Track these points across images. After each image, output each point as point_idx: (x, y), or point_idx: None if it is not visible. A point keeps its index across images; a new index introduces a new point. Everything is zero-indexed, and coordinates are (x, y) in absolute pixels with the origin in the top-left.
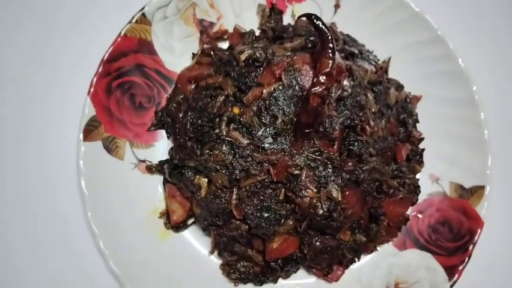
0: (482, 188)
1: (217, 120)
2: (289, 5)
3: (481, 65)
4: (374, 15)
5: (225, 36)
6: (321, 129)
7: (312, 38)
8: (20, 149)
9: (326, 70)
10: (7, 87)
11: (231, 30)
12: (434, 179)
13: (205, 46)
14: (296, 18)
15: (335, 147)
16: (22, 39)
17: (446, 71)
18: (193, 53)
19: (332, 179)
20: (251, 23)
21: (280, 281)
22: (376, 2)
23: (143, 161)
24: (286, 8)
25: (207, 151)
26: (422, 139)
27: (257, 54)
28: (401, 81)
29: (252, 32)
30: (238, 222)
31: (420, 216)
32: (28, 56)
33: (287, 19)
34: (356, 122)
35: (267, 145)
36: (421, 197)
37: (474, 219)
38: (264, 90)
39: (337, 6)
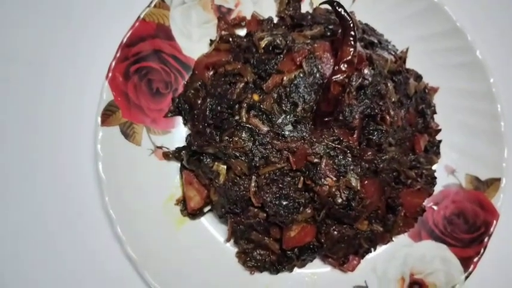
0: (498, 180)
1: (236, 107)
2: None
3: (498, 57)
4: (391, 5)
5: (243, 23)
6: (341, 118)
7: (331, 27)
8: (36, 133)
9: (348, 58)
10: (24, 72)
11: (248, 17)
12: (450, 170)
13: (223, 33)
14: (317, 5)
15: (355, 136)
16: (39, 23)
17: (464, 62)
18: (210, 40)
19: (351, 168)
20: (269, 10)
21: (296, 269)
22: None
23: (160, 148)
24: None
25: (227, 138)
26: (439, 130)
27: (277, 41)
28: (418, 72)
29: (270, 19)
30: (256, 209)
31: (435, 207)
32: (45, 40)
33: (305, 7)
34: (376, 111)
35: (286, 133)
36: (437, 189)
37: (490, 211)
38: (285, 78)
39: None
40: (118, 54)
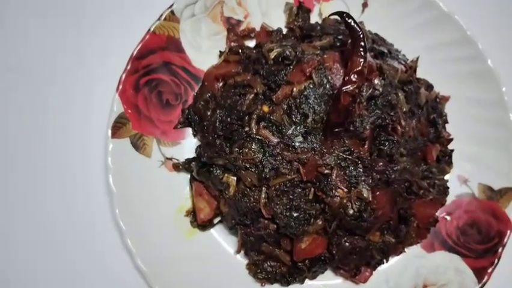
0: (511, 189)
1: (246, 118)
2: (317, 3)
3: (510, 66)
4: (402, 14)
5: (252, 35)
6: (351, 129)
7: (340, 37)
8: (45, 145)
9: (358, 69)
10: (33, 83)
11: (258, 28)
12: (463, 180)
13: (233, 44)
14: (327, 16)
15: (366, 146)
16: (49, 33)
17: (475, 71)
18: (220, 51)
19: (363, 178)
20: (278, 21)
21: (307, 281)
22: (405, 1)
23: (170, 159)
24: (313, 6)
25: (236, 149)
26: (451, 140)
27: (287, 53)
28: (429, 81)
29: (279, 30)
30: (266, 221)
31: (448, 218)
32: (54, 51)
33: (314, 18)
34: (387, 121)
35: (297, 144)
36: (449, 199)
37: (503, 221)
38: (294, 89)
39: (365, 5)
40: (128, 67)
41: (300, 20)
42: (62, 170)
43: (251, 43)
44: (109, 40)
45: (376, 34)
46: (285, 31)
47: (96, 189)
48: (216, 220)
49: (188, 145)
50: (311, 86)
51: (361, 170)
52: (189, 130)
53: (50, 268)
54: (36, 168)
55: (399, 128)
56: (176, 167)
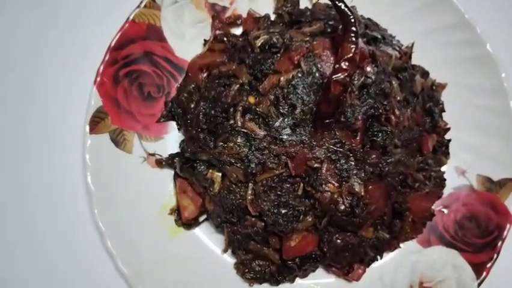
0: (511, 180)
1: (231, 110)
2: None
3: (510, 51)
4: None
5: (238, 22)
6: (342, 119)
7: (331, 22)
8: (24, 142)
9: (348, 55)
10: (11, 78)
11: (244, 15)
12: (460, 171)
13: (218, 32)
14: (317, 0)
15: (358, 138)
16: (27, 26)
17: (473, 56)
18: (204, 40)
19: (354, 172)
20: (266, 7)
21: (298, 280)
22: None
23: (153, 155)
24: None
25: (221, 143)
26: (448, 129)
27: (274, 40)
28: (425, 68)
29: (267, 16)
30: (253, 219)
31: (445, 211)
32: (33, 44)
33: (304, 3)
34: (380, 111)
35: (284, 137)
36: (446, 191)
37: (503, 213)
38: (282, 78)
39: None
40: (106, 58)
41: (289, 5)
42: (42, 169)
43: (237, 31)
44: (90, 31)
45: (369, 19)
46: (273, 17)
47: (77, 188)
48: (201, 218)
49: (172, 140)
50: (299, 75)
51: (353, 163)
52: (173, 124)
53: (27, 269)
54: (15, 167)
55: (393, 117)
56: (160, 163)
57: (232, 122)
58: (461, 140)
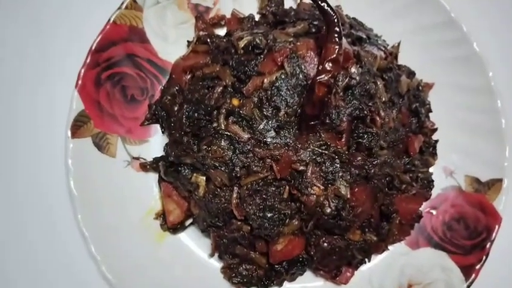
0: (499, 181)
1: (215, 113)
2: None
3: (497, 50)
4: None
5: (222, 22)
6: (327, 121)
7: (316, 23)
8: (6, 147)
9: (332, 56)
10: None
11: (228, 15)
12: (448, 172)
13: (201, 33)
14: (298, 1)
15: (343, 140)
16: (6, 28)
17: (460, 56)
18: (188, 41)
19: (340, 174)
20: (250, 7)
21: (286, 284)
22: None
23: (137, 158)
24: None
25: (205, 147)
26: (435, 130)
27: (257, 41)
28: (411, 68)
29: (251, 16)
30: (239, 222)
31: (434, 212)
32: (12, 47)
33: (289, 2)
34: (365, 112)
35: (269, 139)
36: (435, 192)
37: (491, 214)
38: (265, 80)
39: None
40: (87, 61)
41: (273, 5)
42: (25, 174)
43: (221, 31)
44: (70, 34)
45: (354, 18)
46: (257, 18)
47: (60, 193)
48: (187, 222)
49: (156, 143)
50: (283, 77)
51: (338, 165)
52: (157, 126)
53: (13, 276)
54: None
55: (378, 119)
56: (144, 166)
57: (215, 124)
58: (448, 141)
